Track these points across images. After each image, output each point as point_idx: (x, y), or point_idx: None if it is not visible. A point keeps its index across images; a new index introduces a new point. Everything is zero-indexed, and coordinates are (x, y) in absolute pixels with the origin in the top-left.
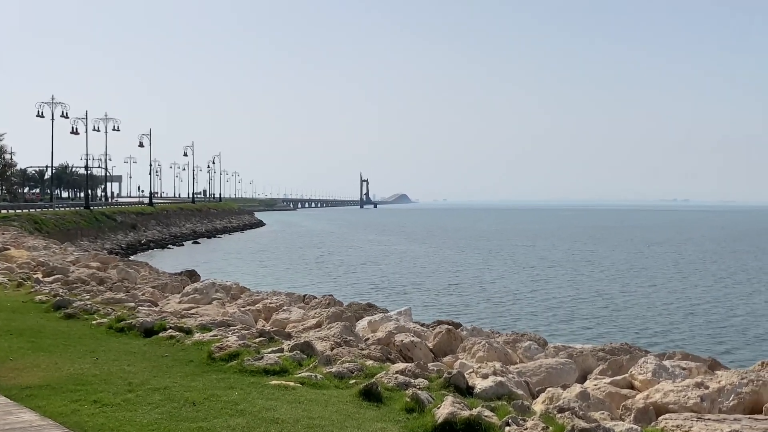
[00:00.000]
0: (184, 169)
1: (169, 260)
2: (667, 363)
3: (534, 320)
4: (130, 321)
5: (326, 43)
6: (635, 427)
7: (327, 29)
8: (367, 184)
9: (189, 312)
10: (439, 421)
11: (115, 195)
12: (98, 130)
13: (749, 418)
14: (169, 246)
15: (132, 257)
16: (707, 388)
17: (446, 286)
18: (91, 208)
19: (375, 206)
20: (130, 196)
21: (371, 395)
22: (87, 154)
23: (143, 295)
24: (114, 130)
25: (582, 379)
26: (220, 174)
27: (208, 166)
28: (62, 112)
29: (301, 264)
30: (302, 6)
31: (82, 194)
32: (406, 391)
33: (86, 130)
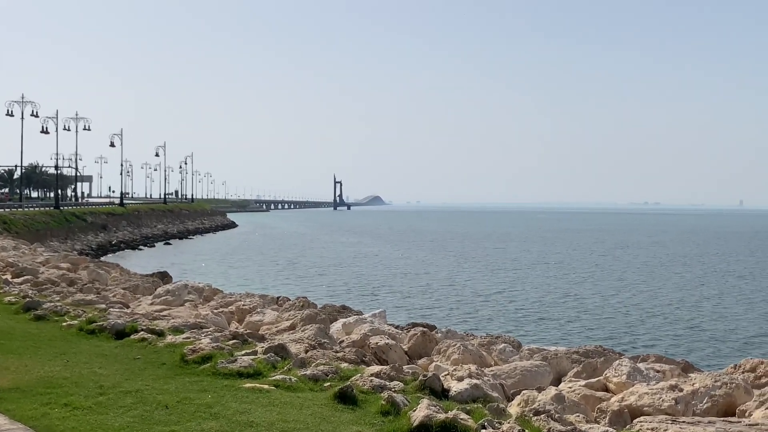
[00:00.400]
0: (155, 170)
1: (140, 261)
2: (641, 366)
3: (506, 322)
4: (101, 323)
5: (301, 43)
6: (610, 430)
7: (303, 29)
8: (341, 185)
9: (161, 314)
10: (415, 424)
11: (86, 195)
12: (69, 130)
13: (723, 420)
14: (140, 247)
15: (102, 258)
16: (681, 390)
17: (418, 288)
18: (61, 208)
19: (348, 208)
20: (101, 197)
21: (346, 398)
22: (57, 154)
23: (114, 296)
24: (85, 129)
25: (556, 382)
26: (192, 174)
27: (180, 167)
28: (32, 110)
29: (274, 266)
30: (278, 5)
31: (52, 194)
32: (382, 394)
33: (56, 129)
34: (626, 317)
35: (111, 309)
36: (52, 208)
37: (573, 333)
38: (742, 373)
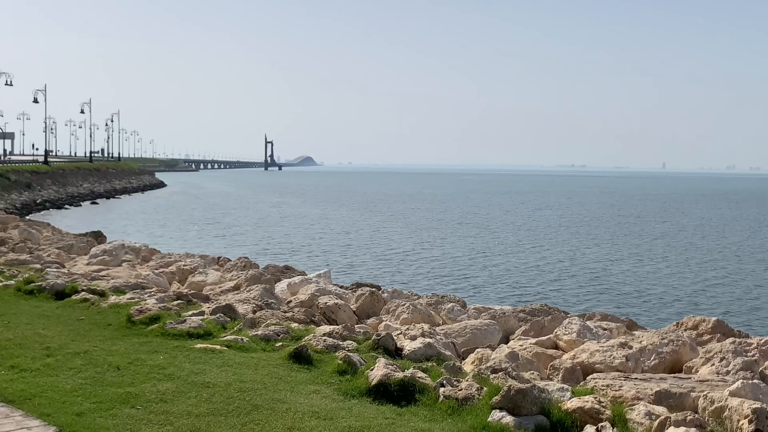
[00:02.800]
0: (80, 127)
1: (67, 221)
2: (590, 324)
3: (441, 282)
4: (39, 283)
5: (233, 5)
6: (566, 386)
7: None
8: (272, 146)
9: (99, 274)
10: (374, 382)
11: (8, 153)
12: None
13: (674, 377)
14: (66, 206)
15: (28, 217)
16: (631, 348)
17: (353, 248)
18: None
19: (280, 168)
20: (24, 154)
21: (301, 358)
22: None
23: (49, 256)
24: (7, 84)
25: (505, 340)
26: (119, 133)
27: (106, 125)
28: None
29: (206, 226)
30: None
31: None
32: (337, 354)
33: None
34: (558, 277)
35: (48, 269)
36: None
37: (509, 292)
38: (685, 330)
